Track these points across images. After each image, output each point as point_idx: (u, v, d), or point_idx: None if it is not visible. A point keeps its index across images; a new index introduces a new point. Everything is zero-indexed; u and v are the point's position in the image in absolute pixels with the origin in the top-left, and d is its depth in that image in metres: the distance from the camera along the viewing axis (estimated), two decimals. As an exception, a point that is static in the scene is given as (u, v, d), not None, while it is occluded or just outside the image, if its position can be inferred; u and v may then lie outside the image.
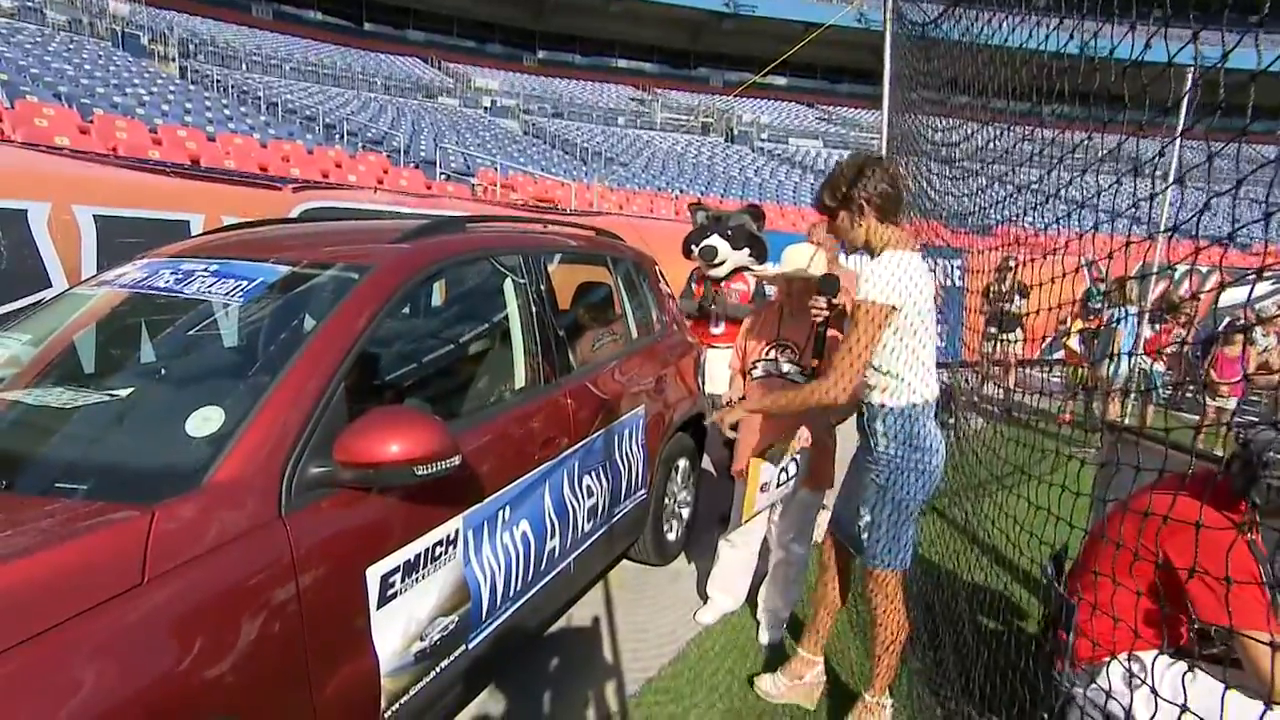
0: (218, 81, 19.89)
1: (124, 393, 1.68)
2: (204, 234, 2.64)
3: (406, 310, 3.53)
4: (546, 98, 30.46)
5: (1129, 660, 1.71)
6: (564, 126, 26.65)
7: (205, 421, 1.47)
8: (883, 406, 1.88)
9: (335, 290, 1.76)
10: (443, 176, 14.94)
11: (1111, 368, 6.06)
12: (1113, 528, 1.81)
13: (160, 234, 3.28)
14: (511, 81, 31.55)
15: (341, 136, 17.32)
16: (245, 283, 1.83)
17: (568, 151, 23.26)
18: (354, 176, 11.13)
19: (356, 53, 30.44)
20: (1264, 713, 1.51)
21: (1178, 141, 3.84)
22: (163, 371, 1.83)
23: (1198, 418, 6.41)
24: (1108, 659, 1.74)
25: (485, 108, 27.57)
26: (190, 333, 1.86)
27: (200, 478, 1.34)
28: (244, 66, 23.64)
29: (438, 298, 3.11)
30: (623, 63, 37.37)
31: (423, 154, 16.80)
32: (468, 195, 10.64)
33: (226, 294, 1.80)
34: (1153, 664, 1.69)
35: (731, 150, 27.95)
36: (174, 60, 20.85)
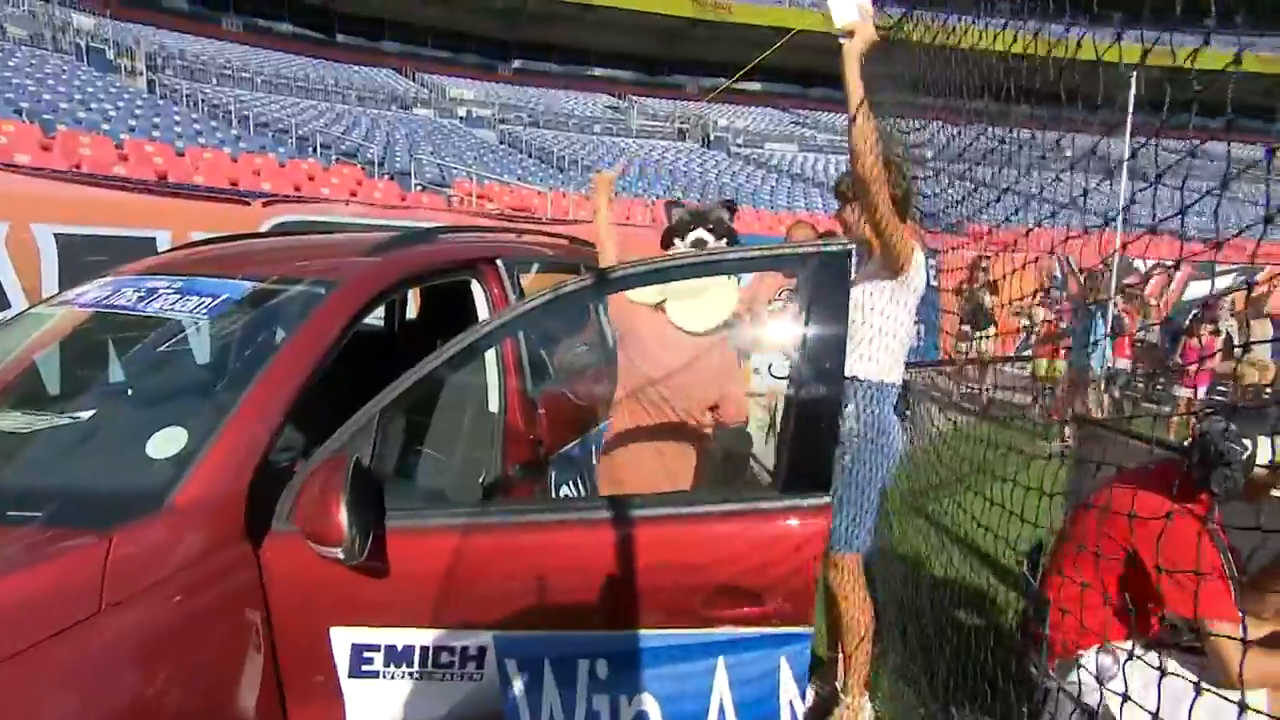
0: (187, 95, 19.63)
1: (84, 415, 1.65)
2: (171, 250, 2.60)
3: (381, 326, 3.51)
4: (523, 107, 30.44)
5: (1102, 652, 1.73)
6: (540, 135, 26.64)
7: (167, 442, 1.44)
8: (858, 380, 1.96)
9: (301, 305, 1.74)
10: (418, 187, 14.84)
11: (1083, 358, 6.18)
12: (1081, 523, 1.84)
13: (126, 252, 3.22)
14: (487, 91, 31.50)
15: (315, 149, 17.16)
16: (209, 300, 1.80)
17: (544, 160, 23.26)
18: (327, 189, 11.02)
19: (330, 65, 30.20)
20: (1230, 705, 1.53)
21: (1127, 135, 3.93)
22: (124, 392, 1.79)
23: (1167, 409, 6.54)
24: (1081, 652, 1.76)
25: (461, 118, 27.48)
26: (153, 352, 1.82)
27: (160, 500, 1.31)
28: (214, 80, 23.33)
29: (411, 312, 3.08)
30: (599, 70, 37.47)
31: (398, 165, 16.70)
32: (443, 206, 10.58)
33: (190, 311, 1.77)
34: (1125, 656, 1.72)
35: (708, 156, 28.12)
36: (141, 74, 20.53)
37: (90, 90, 16.56)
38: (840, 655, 2.19)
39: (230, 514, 1.36)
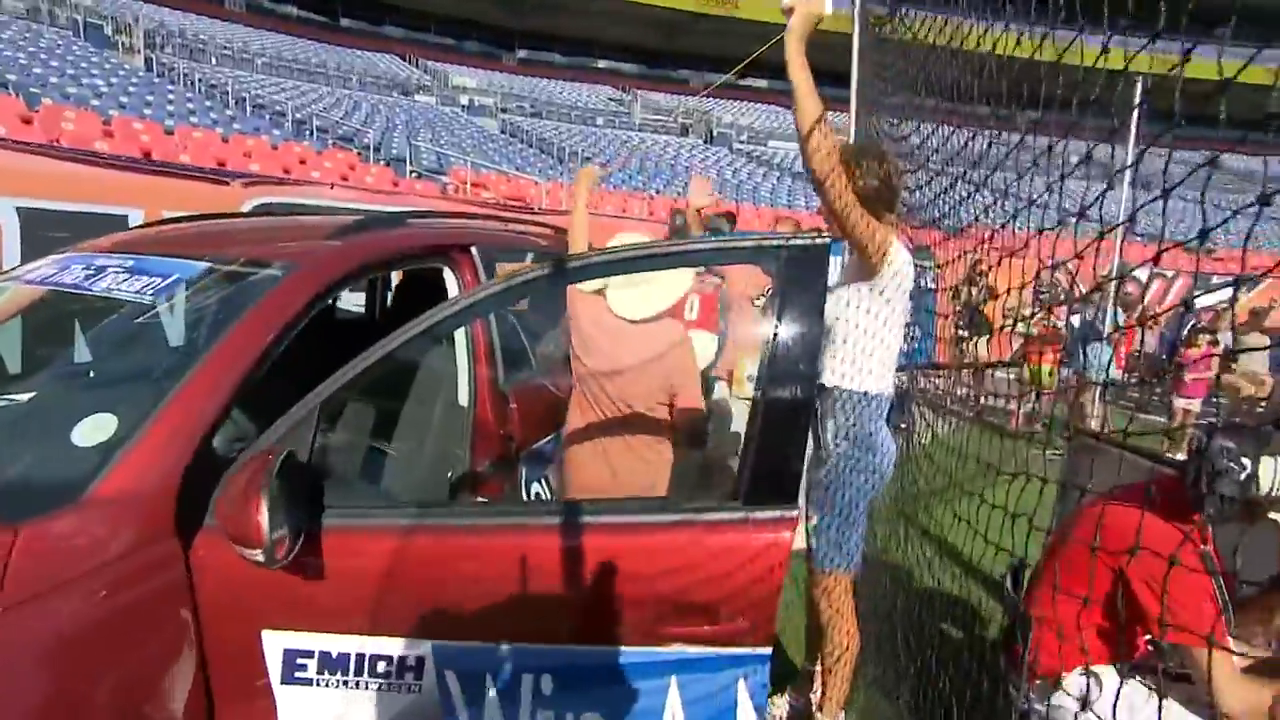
0: (185, 75, 19.37)
1: (15, 398, 1.56)
2: (140, 227, 2.50)
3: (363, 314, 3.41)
4: (525, 96, 30.23)
5: (1085, 675, 1.65)
6: (541, 126, 26.45)
7: (95, 429, 1.36)
8: (837, 390, 1.82)
9: (253, 289, 1.64)
10: (413, 174, 14.69)
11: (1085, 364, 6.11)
12: (1068, 538, 1.76)
13: (94, 229, 3.09)
14: (490, 80, 31.27)
15: (311, 133, 16.97)
16: (158, 280, 1.72)
17: (545, 151, 23.09)
18: (317, 173, 10.85)
19: (332, 48, 29.93)
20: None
21: (1130, 141, 3.85)
22: (59, 375, 1.70)
23: (1163, 420, 6.47)
24: (1063, 675, 1.68)
25: (463, 106, 27.28)
26: (93, 334, 1.73)
27: (80, 491, 1.22)
28: (214, 60, 23.07)
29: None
30: (603, 63, 37.24)
31: (394, 151, 16.52)
32: (437, 193, 10.46)
33: (136, 292, 1.68)
34: (1108, 679, 1.64)
35: (710, 152, 27.95)
36: (139, 52, 20.26)
37: (83, 66, 16.32)
38: (819, 669, 2.11)
39: (158, 507, 1.27)
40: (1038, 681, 1.74)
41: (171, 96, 16.34)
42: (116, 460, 1.27)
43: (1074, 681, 1.66)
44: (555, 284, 1.68)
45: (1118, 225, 1.12)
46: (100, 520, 1.21)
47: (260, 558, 1.13)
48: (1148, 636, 1.66)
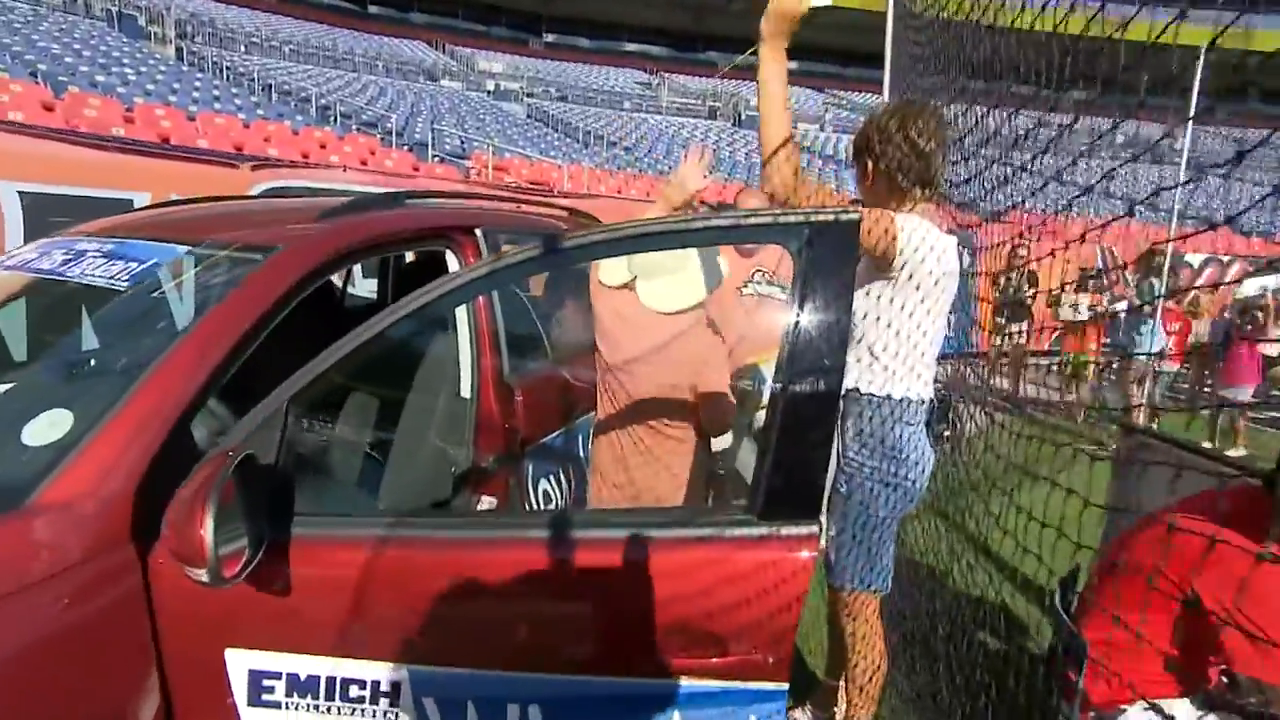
0: (214, 63, 19.59)
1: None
2: (142, 210, 2.41)
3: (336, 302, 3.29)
4: (551, 81, 30.06)
5: (1148, 709, 1.47)
6: (568, 110, 26.27)
7: (49, 427, 1.25)
8: (858, 394, 1.63)
9: (231, 274, 1.53)
10: (435, 159, 14.62)
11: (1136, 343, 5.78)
12: (1130, 553, 1.57)
13: (98, 213, 3.02)
14: (516, 65, 31.14)
15: (334, 118, 17.02)
16: (135, 265, 1.61)
17: (570, 135, 22.91)
18: (336, 157, 10.80)
19: (360, 36, 30.10)
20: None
21: (1189, 125, 3.55)
22: (21, 368, 1.60)
23: (1218, 415, 6.10)
24: (1122, 707, 1.50)
25: (489, 91, 27.21)
26: (61, 323, 1.62)
27: (25, 496, 1.11)
28: (243, 48, 23.32)
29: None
30: (631, 46, 36.85)
31: (417, 136, 16.49)
32: (458, 177, 10.34)
33: (111, 277, 1.57)
34: (1175, 714, 1.45)
35: (739, 135, 27.48)
36: (170, 41, 20.55)
37: (114, 55, 16.55)
38: (842, 686, 1.96)
39: (113, 513, 1.16)
40: (1092, 713, 1.55)
41: (198, 83, 16.51)
42: (68, 462, 1.16)
43: (1135, 716, 1.48)
44: (554, 263, 1.52)
45: (1241, 213, 0.92)
46: (45, 527, 1.10)
47: (204, 578, 1.00)
48: (1222, 668, 1.46)
